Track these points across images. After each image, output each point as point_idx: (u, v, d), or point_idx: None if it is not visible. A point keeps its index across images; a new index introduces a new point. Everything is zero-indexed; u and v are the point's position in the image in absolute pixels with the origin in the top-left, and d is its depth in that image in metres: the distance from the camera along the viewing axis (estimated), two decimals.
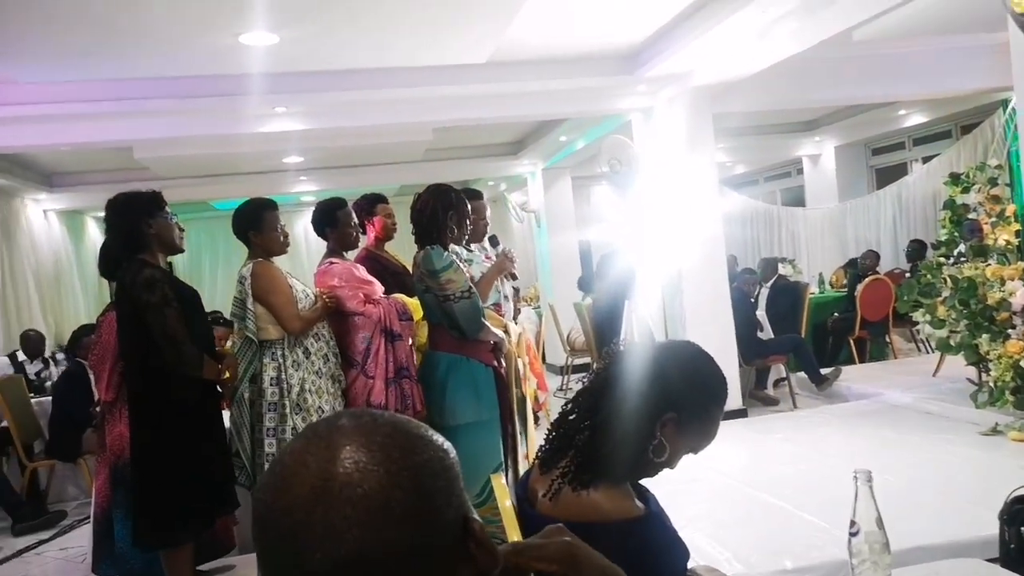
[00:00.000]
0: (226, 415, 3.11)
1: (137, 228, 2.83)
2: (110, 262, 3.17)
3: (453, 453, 0.70)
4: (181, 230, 3.02)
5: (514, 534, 1.44)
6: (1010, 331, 4.21)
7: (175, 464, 2.78)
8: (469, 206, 3.21)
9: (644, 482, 1.44)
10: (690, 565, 1.68)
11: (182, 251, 3.07)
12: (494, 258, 3.45)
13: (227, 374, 2.99)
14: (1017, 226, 4.80)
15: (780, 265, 7.55)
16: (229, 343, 4.03)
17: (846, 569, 2.89)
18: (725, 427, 5.17)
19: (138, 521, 2.85)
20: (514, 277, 3.41)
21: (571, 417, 1.38)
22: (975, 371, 4.73)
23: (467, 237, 3.30)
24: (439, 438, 0.70)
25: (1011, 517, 2.51)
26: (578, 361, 7.77)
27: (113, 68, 4.26)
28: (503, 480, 1.53)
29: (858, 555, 1.10)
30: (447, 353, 2.95)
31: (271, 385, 2.98)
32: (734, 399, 5.52)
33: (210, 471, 2.88)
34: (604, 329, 5.95)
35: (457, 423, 2.87)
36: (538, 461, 1.40)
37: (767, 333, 6.42)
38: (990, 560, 2.64)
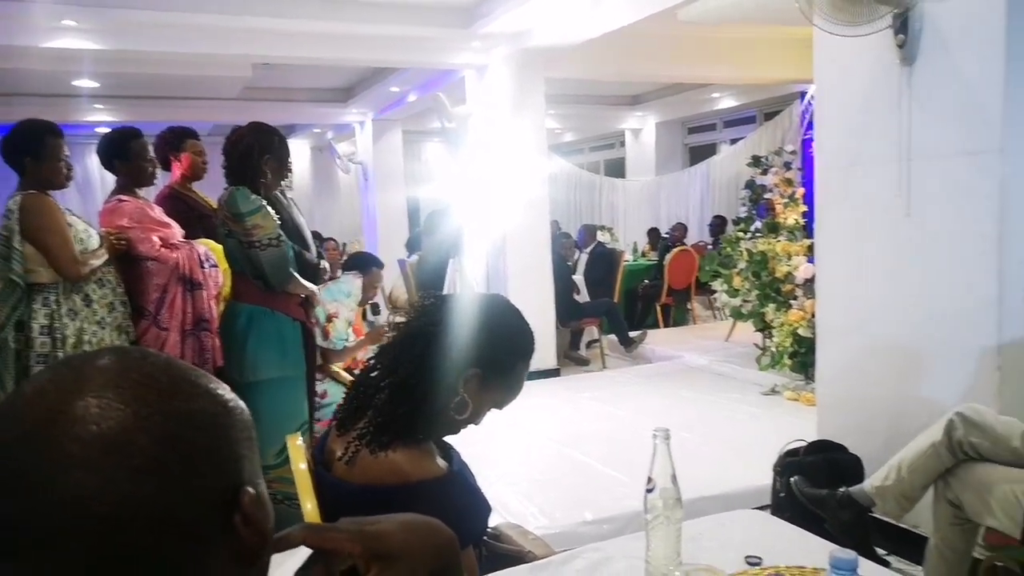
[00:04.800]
0: None
1: None
2: None
3: (240, 413, 0.60)
4: None
5: (308, 499, 1.35)
6: (792, 302, 4.65)
7: None
8: (289, 154, 3.00)
9: (453, 439, 1.40)
10: (497, 522, 1.68)
11: None
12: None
13: None
14: (804, 208, 5.30)
15: (599, 232, 7.86)
16: None
17: (639, 519, 3.07)
18: (539, 386, 5.29)
19: None
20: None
21: (372, 375, 1.30)
22: (761, 337, 5.20)
23: (287, 185, 3.08)
24: (224, 393, 0.59)
25: (783, 469, 2.78)
26: (400, 319, 7.67)
27: None
28: (299, 441, 1.42)
29: (653, 510, 1.12)
30: (250, 304, 2.74)
31: (41, 334, 2.62)
32: (549, 359, 5.70)
33: None
34: (428, 287, 5.89)
35: (258, 379, 2.69)
36: (335, 422, 1.32)
37: (583, 297, 6.68)
38: (763, 507, 2.92)
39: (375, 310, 4.05)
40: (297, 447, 1.43)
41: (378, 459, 1.22)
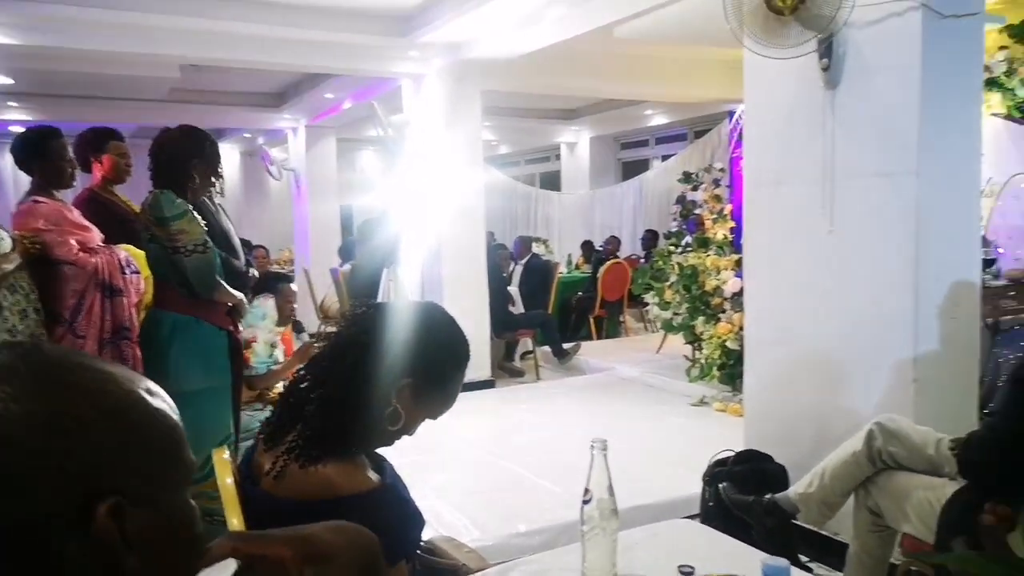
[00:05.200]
0: None
1: None
2: None
3: (124, 418, 0.56)
4: None
5: (234, 515, 1.30)
6: (721, 315, 4.77)
7: None
8: (220, 160, 2.91)
9: (387, 451, 1.37)
10: (430, 535, 1.66)
11: None
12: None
13: None
14: (732, 223, 5.46)
15: (534, 244, 7.91)
16: None
17: (572, 530, 3.07)
18: (473, 397, 5.27)
19: None
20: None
21: (302, 386, 1.26)
22: (691, 349, 5.32)
23: (217, 191, 2.98)
24: (114, 391, 0.56)
25: (711, 478, 2.84)
26: (332, 329, 7.52)
27: None
28: (226, 455, 1.37)
29: (589, 521, 1.12)
30: (174, 313, 2.63)
31: None
32: (483, 370, 5.68)
33: None
34: (361, 296, 5.80)
35: (181, 390, 2.58)
36: (262, 436, 1.27)
37: (518, 308, 6.70)
38: (692, 516, 2.97)
39: (297, 328, 3.96)
40: (223, 461, 1.37)
41: (308, 473, 1.18)
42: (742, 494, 2.66)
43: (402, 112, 5.94)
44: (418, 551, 1.46)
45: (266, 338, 3.49)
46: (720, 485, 2.70)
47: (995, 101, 4.49)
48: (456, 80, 5.55)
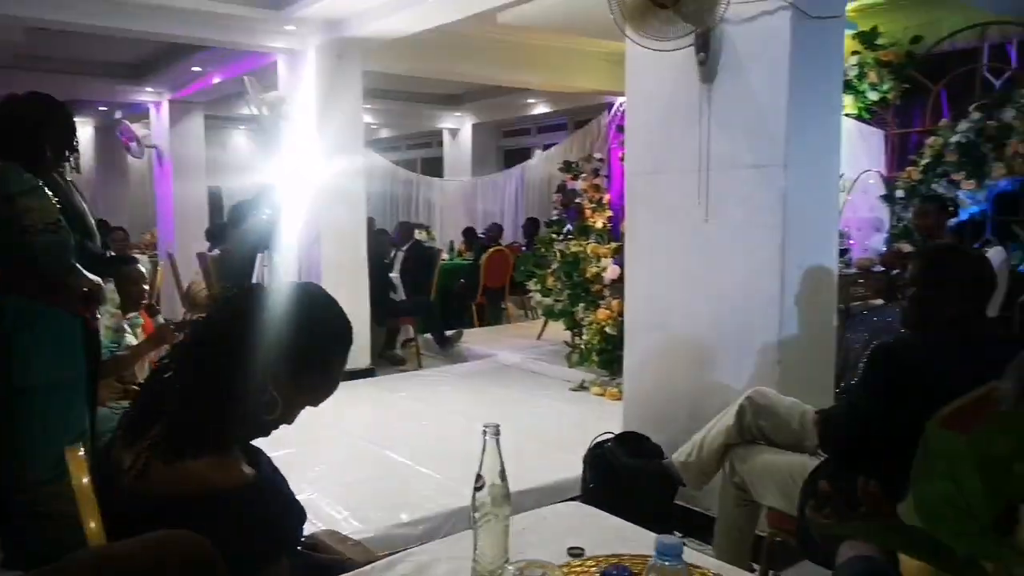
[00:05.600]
0: None
1: None
2: None
3: None
4: None
5: (91, 517, 1.18)
6: (600, 301, 4.89)
7: None
8: (75, 132, 2.66)
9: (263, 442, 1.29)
10: (312, 529, 1.58)
11: None
12: None
13: None
14: (610, 213, 5.61)
15: (416, 231, 7.81)
16: None
17: (456, 518, 3.05)
18: (353, 387, 5.10)
19: None
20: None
21: (166, 376, 1.16)
22: (571, 335, 5.42)
23: (71, 167, 2.73)
24: None
25: (593, 460, 2.90)
26: (199, 315, 7.12)
27: None
28: (81, 453, 1.25)
29: (482, 507, 1.10)
30: (20, 298, 2.38)
31: None
32: (363, 358, 5.55)
33: None
34: (234, 282, 5.51)
35: (29, 383, 2.35)
36: (121, 430, 1.16)
37: (399, 295, 6.60)
38: (574, 498, 3.02)
39: (152, 311, 3.70)
40: (78, 459, 1.25)
41: (177, 468, 1.09)
42: (620, 474, 2.75)
43: (277, 90, 5.68)
44: (300, 547, 1.39)
45: (108, 323, 3.22)
46: (606, 444, 2.80)
47: (847, 102, 4.85)
48: (335, 59, 5.35)
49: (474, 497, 1.11)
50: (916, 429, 1.68)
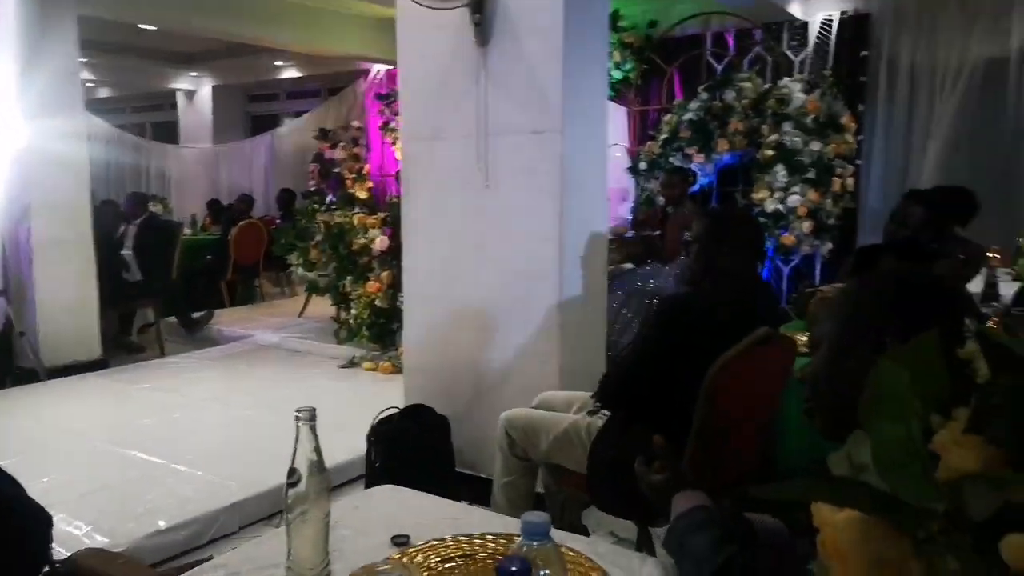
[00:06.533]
0: None
1: None
2: None
3: None
4: None
5: None
6: (369, 274, 4.71)
7: None
8: None
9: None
10: (70, 553, 1.29)
11: None
12: None
13: None
14: (371, 184, 5.43)
15: (150, 203, 6.96)
16: None
17: (226, 517, 2.75)
18: (79, 382, 4.44)
19: None
20: None
21: None
22: (337, 310, 5.18)
23: None
24: None
25: (377, 438, 2.76)
26: None
27: None
28: None
29: (298, 505, 0.93)
30: None
31: None
32: (92, 348, 4.80)
33: None
34: None
35: None
36: None
37: (134, 275, 5.83)
38: (358, 478, 2.88)
39: None
40: None
41: None
42: (407, 449, 2.65)
43: None
44: (57, 563, 1.11)
45: None
46: (392, 420, 2.66)
47: None
48: None
49: (287, 494, 0.94)
50: (699, 375, 1.80)
